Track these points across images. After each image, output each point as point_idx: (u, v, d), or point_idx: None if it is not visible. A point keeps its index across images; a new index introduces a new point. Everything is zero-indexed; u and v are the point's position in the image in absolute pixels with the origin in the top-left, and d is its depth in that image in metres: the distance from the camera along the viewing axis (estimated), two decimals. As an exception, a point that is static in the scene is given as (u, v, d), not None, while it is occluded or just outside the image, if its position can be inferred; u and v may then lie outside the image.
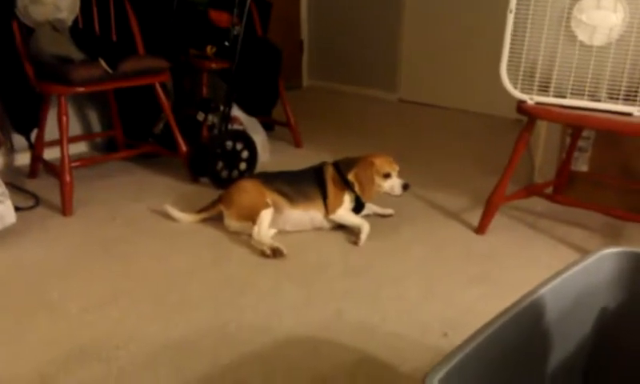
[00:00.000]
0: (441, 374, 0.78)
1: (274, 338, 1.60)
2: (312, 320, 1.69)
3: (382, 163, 2.27)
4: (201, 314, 1.72)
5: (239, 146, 2.73)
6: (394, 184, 2.26)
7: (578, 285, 1.10)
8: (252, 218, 2.15)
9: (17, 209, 2.19)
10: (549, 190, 2.52)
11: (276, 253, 2.05)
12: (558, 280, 1.04)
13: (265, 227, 2.13)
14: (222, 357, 1.52)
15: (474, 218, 2.35)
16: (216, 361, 1.50)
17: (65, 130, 2.41)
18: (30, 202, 2.52)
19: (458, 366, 0.82)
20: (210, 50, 2.98)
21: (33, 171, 2.84)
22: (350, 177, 2.25)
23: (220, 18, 2.96)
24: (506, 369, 0.94)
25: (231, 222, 2.22)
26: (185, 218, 2.33)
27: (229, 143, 2.70)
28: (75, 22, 2.72)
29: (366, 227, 2.20)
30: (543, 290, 1.01)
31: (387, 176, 2.26)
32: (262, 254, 2.06)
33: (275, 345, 1.58)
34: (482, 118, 4.24)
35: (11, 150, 2.99)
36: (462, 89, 4.43)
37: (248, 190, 2.22)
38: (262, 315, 1.72)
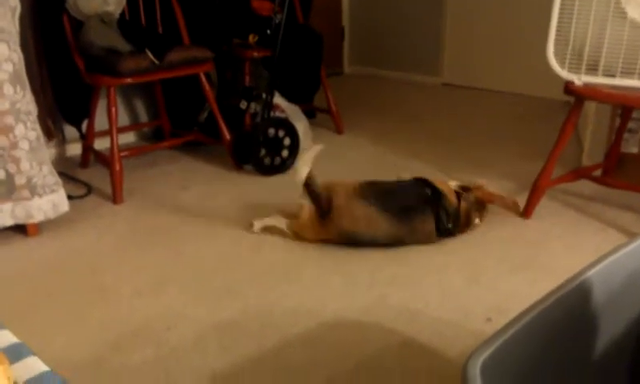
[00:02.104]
0: (484, 356, 0.79)
1: (318, 322, 1.63)
2: (356, 304, 1.71)
3: None
4: (247, 297, 1.76)
5: (281, 133, 2.76)
6: None
7: (626, 268, 1.08)
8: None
9: (69, 197, 2.28)
10: (597, 173, 2.45)
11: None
12: (605, 263, 1.02)
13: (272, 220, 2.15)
14: (268, 339, 1.55)
15: (520, 202, 2.31)
16: (262, 343, 1.54)
17: (114, 121, 2.48)
18: (82, 191, 2.61)
19: (502, 347, 0.82)
20: (252, 38, 3.01)
21: (84, 161, 2.94)
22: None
23: (262, 6, 2.98)
24: (551, 351, 0.94)
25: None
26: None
27: (271, 131, 2.73)
28: (122, 14, 2.79)
29: None
30: (590, 273, 0.99)
31: None
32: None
33: (320, 328, 1.60)
34: (529, 100, 4.15)
35: (63, 141, 3.10)
36: (507, 71, 4.34)
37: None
38: (307, 299, 1.74)
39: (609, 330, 1.08)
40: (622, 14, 1.95)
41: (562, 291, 0.95)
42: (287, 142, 2.79)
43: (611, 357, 1.10)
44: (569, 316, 0.97)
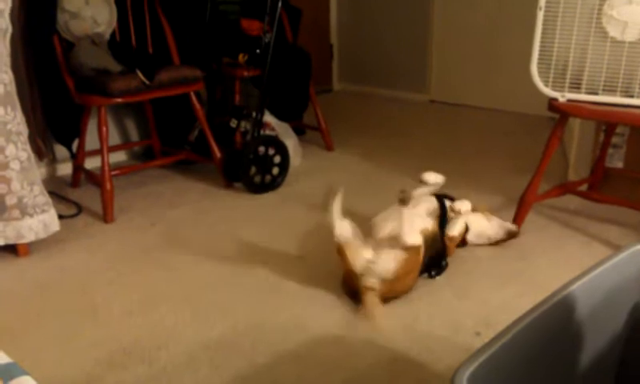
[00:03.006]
0: (470, 371, 0.80)
1: (308, 338, 1.64)
2: (345, 320, 1.72)
3: None
4: (237, 315, 1.77)
5: (271, 151, 2.78)
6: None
7: (609, 281, 1.10)
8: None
9: (60, 217, 2.28)
10: (583, 188, 2.49)
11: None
12: (588, 277, 1.05)
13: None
14: (259, 356, 1.56)
15: (507, 217, 2.34)
16: (253, 360, 1.55)
17: (105, 140, 2.50)
18: (73, 210, 2.62)
19: (488, 362, 0.84)
20: (241, 58, 3.04)
21: (75, 180, 2.94)
22: None
23: (251, 26, 3.02)
24: (537, 365, 0.96)
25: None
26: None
27: (261, 149, 2.75)
28: (112, 35, 2.82)
29: None
30: (573, 287, 1.02)
31: None
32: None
33: (310, 344, 1.61)
34: (515, 116, 4.20)
35: (54, 161, 3.11)
36: (493, 88, 4.40)
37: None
38: (297, 315, 1.76)
39: (594, 342, 1.10)
40: (604, 33, 2.00)
41: (547, 305, 0.98)
42: (277, 159, 2.81)
43: (597, 369, 1.12)
44: (553, 330, 0.99)
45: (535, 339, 0.94)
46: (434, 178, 2.17)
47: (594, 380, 1.12)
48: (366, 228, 1.91)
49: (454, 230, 2.06)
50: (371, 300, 1.71)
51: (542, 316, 0.95)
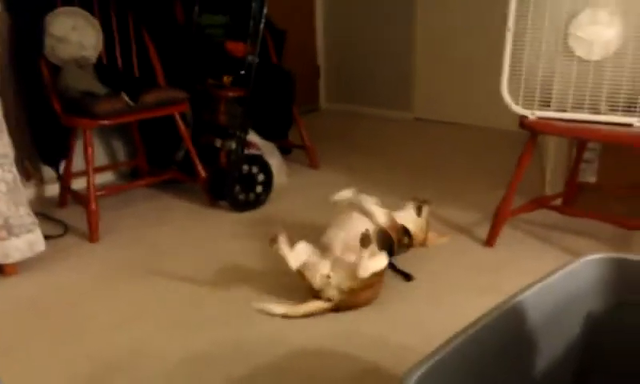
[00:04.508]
0: (417, 375, 0.85)
1: (286, 350, 1.69)
2: (323, 332, 1.77)
3: None
4: (218, 329, 1.82)
5: (255, 170, 2.84)
6: None
7: (563, 290, 1.16)
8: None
9: (47, 237, 2.32)
10: (558, 202, 2.56)
11: None
12: (540, 285, 1.10)
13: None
14: (237, 369, 1.61)
15: (484, 232, 2.40)
16: (231, 373, 1.59)
17: (90, 161, 2.55)
18: (60, 230, 2.66)
19: (436, 366, 0.89)
20: (226, 79, 3.11)
21: (62, 201, 2.99)
22: None
23: (236, 48, 3.09)
24: (487, 371, 1.01)
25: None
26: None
27: (245, 167, 2.81)
28: (99, 58, 2.89)
29: None
30: (524, 295, 1.07)
31: None
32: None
33: (288, 357, 1.66)
34: (499, 132, 4.27)
35: (41, 182, 3.15)
36: (476, 105, 4.48)
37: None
38: (275, 329, 1.80)
39: (548, 350, 1.15)
40: (570, 52, 2.08)
41: (497, 312, 1.03)
42: (261, 178, 2.87)
43: (552, 377, 1.17)
44: (505, 336, 1.04)
45: (486, 345, 0.99)
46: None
47: (549, 386, 1.17)
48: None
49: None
50: (315, 306, 1.86)
51: (493, 322, 1.01)
